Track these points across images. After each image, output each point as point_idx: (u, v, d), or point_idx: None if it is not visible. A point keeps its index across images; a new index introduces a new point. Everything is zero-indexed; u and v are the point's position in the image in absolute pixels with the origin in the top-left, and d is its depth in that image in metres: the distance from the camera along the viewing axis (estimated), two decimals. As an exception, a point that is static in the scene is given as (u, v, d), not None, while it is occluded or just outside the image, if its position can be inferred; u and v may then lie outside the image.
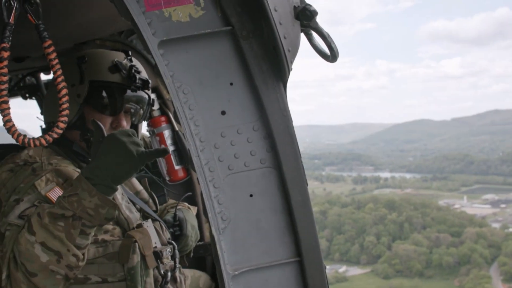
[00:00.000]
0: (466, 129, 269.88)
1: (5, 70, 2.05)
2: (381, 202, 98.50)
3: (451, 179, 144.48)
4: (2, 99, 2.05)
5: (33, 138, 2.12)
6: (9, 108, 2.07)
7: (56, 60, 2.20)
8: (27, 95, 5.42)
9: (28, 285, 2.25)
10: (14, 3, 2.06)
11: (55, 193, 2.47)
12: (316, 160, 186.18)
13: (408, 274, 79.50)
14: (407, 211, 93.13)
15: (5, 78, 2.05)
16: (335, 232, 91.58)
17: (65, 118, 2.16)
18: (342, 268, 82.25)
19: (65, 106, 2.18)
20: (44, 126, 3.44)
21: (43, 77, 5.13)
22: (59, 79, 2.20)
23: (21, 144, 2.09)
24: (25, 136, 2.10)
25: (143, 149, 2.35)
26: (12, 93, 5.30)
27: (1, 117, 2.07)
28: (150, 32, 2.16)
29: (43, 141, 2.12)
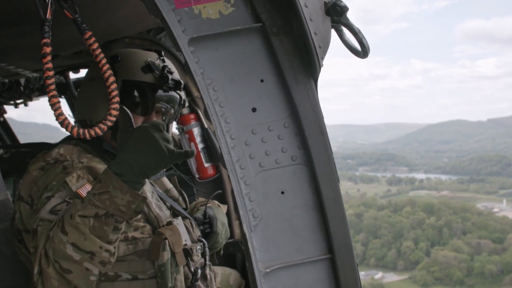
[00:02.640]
0: (502, 130, 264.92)
1: (50, 65, 2.14)
2: (418, 206, 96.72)
3: (489, 181, 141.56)
4: (51, 93, 2.14)
5: (88, 129, 2.24)
6: (59, 102, 2.17)
7: (99, 50, 2.29)
8: (56, 93, 5.61)
9: (60, 281, 2.35)
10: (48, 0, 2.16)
11: (86, 190, 2.55)
12: (349, 160, 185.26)
13: (448, 282, 77.98)
14: (446, 215, 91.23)
15: (51, 73, 2.14)
16: (371, 236, 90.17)
17: (116, 105, 2.26)
18: (378, 275, 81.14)
19: (114, 93, 2.27)
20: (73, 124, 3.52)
21: (72, 75, 5.31)
22: (105, 68, 2.29)
23: (76, 136, 2.20)
24: (79, 127, 2.21)
25: (172, 146, 2.39)
26: (42, 91, 5.49)
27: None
28: (180, 29, 2.23)
29: (98, 131, 2.23)
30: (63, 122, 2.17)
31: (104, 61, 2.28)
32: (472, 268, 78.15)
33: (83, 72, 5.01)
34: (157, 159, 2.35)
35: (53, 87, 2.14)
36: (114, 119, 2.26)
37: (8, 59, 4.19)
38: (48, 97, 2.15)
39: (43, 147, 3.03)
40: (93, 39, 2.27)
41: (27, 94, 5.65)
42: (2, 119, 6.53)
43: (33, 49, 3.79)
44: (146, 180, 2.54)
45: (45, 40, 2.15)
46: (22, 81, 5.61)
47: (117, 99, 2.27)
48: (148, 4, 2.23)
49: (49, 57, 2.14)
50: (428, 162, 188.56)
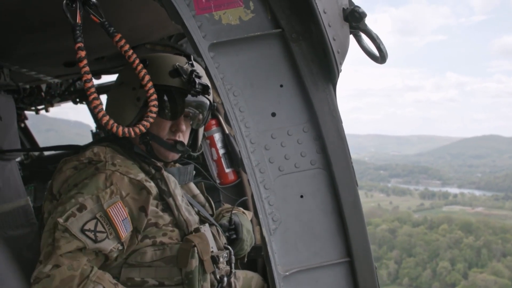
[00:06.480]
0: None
1: (87, 69, 2.25)
2: (456, 224, 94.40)
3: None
4: (93, 96, 2.27)
5: (130, 127, 2.43)
6: (101, 104, 2.33)
7: (131, 51, 2.40)
8: (77, 99, 5.77)
9: None
10: (74, 5, 2.28)
11: (116, 209, 2.65)
12: (381, 171, 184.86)
13: (487, 308, 75.58)
14: (485, 235, 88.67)
15: (89, 76, 2.26)
16: (405, 254, 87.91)
17: (155, 102, 2.44)
18: (412, 295, 79.09)
19: (151, 91, 2.43)
20: (94, 130, 3.61)
21: (94, 81, 5.45)
22: (139, 67, 2.43)
23: (121, 134, 2.39)
24: (124, 127, 2.40)
25: None
26: (63, 97, 5.64)
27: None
28: (200, 35, 2.36)
29: (141, 128, 2.45)
30: (108, 123, 2.33)
31: (137, 61, 2.41)
32: (513, 294, 75.69)
33: (104, 78, 5.16)
34: None
35: (93, 89, 2.27)
36: (154, 115, 2.44)
37: (29, 65, 4.33)
38: (90, 100, 2.28)
39: (70, 149, 3.12)
40: (123, 41, 2.38)
41: (48, 100, 5.79)
42: (23, 125, 6.69)
43: (54, 55, 3.92)
44: (177, 184, 2.86)
45: (79, 45, 2.24)
46: (43, 87, 5.76)
47: (155, 96, 2.44)
48: (169, 10, 2.35)
49: (85, 61, 2.24)
50: (461, 177, 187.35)
